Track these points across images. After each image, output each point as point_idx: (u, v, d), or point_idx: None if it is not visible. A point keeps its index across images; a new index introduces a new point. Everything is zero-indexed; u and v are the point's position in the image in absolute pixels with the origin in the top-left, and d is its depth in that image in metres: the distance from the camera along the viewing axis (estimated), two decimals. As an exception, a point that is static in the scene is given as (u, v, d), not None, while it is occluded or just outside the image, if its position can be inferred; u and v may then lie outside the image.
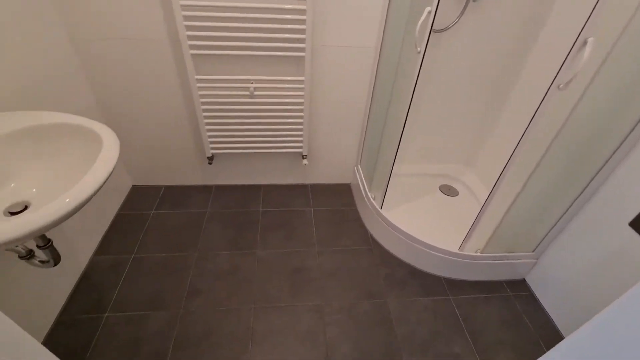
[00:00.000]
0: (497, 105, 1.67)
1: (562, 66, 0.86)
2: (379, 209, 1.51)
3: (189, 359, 1.11)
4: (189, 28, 1.25)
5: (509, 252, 1.36)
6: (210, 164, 1.68)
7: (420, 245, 1.39)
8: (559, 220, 1.25)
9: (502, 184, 1.14)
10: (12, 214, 0.81)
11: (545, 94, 0.93)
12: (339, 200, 1.82)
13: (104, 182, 0.78)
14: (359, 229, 1.65)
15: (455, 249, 1.36)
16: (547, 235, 1.31)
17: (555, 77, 0.89)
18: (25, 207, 0.83)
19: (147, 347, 1.13)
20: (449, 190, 1.81)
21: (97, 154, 0.82)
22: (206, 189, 1.81)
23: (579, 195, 1.16)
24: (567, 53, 0.85)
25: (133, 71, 1.38)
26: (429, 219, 1.62)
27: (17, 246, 0.90)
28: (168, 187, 1.80)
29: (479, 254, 1.35)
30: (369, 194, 1.59)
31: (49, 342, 1.12)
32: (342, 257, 1.50)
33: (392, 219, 1.45)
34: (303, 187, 1.89)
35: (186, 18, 1.22)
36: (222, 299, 1.30)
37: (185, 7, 1.20)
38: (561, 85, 0.90)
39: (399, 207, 1.64)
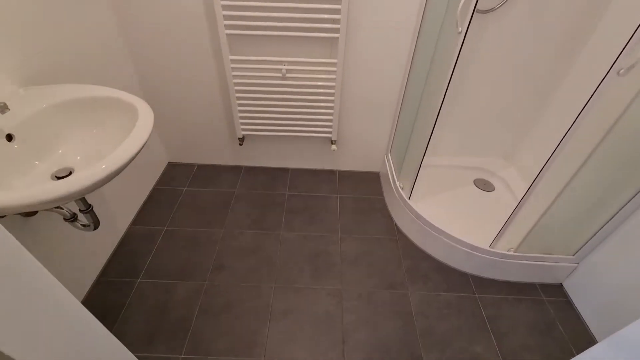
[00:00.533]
0: (545, 95, 1.53)
1: (624, 48, 0.76)
2: (407, 199, 1.46)
3: (211, 327, 1.17)
4: (225, 8, 1.26)
5: (545, 254, 1.27)
6: (240, 145, 1.71)
7: (448, 239, 1.34)
8: (605, 224, 1.13)
9: (544, 179, 1.06)
10: (59, 178, 0.88)
11: (602, 80, 0.83)
12: (366, 188, 1.79)
13: (137, 153, 0.82)
14: (384, 219, 1.62)
15: (486, 246, 1.29)
16: (590, 239, 1.20)
17: (615, 60, 0.79)
18: (70, 173, 0.90)
19: (174, 313, 1.20)
20: (484, 185, 1.71)
21: (134, 125, 0.86)
22: (235, 169, 1.86)
23: (632, 198, 1.04)
24: (633, 32, 0.75)
25: (171, 52, 1.43)
26: (460, 213, 1.55)
27: (62, 208, 0.98)
28: (200, 166, 1.87)
29: (511, 252, 1.27)
30: (397, 183, 1.55)
31: (88, 300, 1.23)
32: (365, 245, 1.48)
33: (420, 210, 1.40)
34: (331, 172, 1.88)
35: (223, -3, 1.23)
36: (245, 276, 1.34)
37: (222, -14, 1.21)
38: (622, 71, 0.80)
39: (428, 198, 1.58)
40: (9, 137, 0.82)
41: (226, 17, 1.28)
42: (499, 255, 1.28)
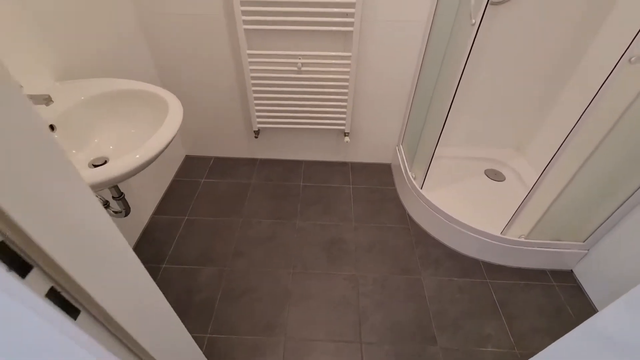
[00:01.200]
0: (556, 86, 1.55)
1: (636, 36, 0.79)
2: (419, 189, 1.50)
3: (234, 309, 1.23)
4: (243, 4, 1.31)
5: (556, 240, 1.30)
6: (256, 137, 1.77)
7: (459, 226, 1.38)
8: (615, 211, 1.16)
9: (554, 167, 1.09)
10: (95, 166, 0.95)
11: (613, 68, 0.86)
12: (378, 179, 1.83)
13: (168, 144, 0.87)
14: (397, 208, 1.66)
15: (497, 233, 1.32)
16: (600, 226, 1.22)
17: (627, 48, 0.82)
18: (105, 162, 0.96)
19: (198, 296, 1.27)
20: (495, 175, 1.74)
21: (164, 118, 0.91)
22: (251, 161, 1.92)
23: (643, 184, 1.07)
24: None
25: (190, 45, 1.48)
26: (471, 201, 1.58)
27: (97, 195, 1.04)
28: (217, 158, 1.93)
29: (522, 239, 1.30)
30: (409, 174, 1.59)
31: (118, 283, 1.30)
32: (379, 233, 1.53)
33: (432, 199, 1.44)
34: (343, 164, 1.92)
35: (241, -7, 1.28)
36: (263, 262, 1.40)
37: (241, -17, 1.25)
38: (633, 59, 0.83)
39: (440, 188, 1.62)
40: (52, 128, 0.88)
41: (244, 13, 1.33)
42: (510, 242, 1.32)
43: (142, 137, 0.91)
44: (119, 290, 0.44)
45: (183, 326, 0.73)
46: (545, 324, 1.22)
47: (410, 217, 1.61)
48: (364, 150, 1.89)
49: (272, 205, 1.66)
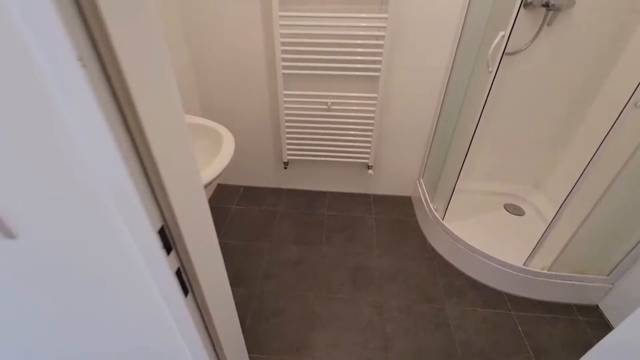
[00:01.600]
0: (570, 127, 1.65)
1: None
2: (441, 219, 1.57)
3: (263, 329, 1.28)
4: (284, 51, 1.50)
5: (579, 273, 1.33)
6: (285, 168, 1.90)
7: (482, 256, 1.42)
8: (638, 243, 1.20)
9: (572, 201, 1.15)
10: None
11: (621, 113, 0.96)
12: (399, 210, 1.91)
13: (222, 171, 1.00)
14: (418, 238, 1.72)
15: (520, 264, 1.36)
16: (624, 259, 1.25)
17: (632, 94, 0.92)
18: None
19: (230, 315, 1.33)
20: (514, 209, 1.80)
21: (219, 148, 1.05)
22: (279, 191, 2.04)
23: (662, 218, 1.12)
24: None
25: (232, 84, 1.67)
26: (492, 233, 1.63)
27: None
28: (247, 187, 2.06)
29: (545, 271, 1.33)
30: (430, 205, 1.67)
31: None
32: (401, 262, 1.58)
33: (454, 229, 1.51)
34: (365, 196, 2.02)
35: (283, 43, 1.47)
36: (291, 285, 1.46)
37: (283, 35, 1.45)
38: (639, 103, 0.93)
39: (460, 220, 1.68)
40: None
41: (284, 60, 1.52)
42: (532, 274, 1.35)
43: (201, 164, 1.04)
44: (214, 281, 0.53)
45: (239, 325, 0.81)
46: (575, 358, 1.22)
47: (432, 247, 1.66)
48: (385, 183, 1.99)
49: (298, 232, 1.74)
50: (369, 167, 1.85)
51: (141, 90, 0.31)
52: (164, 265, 0.40)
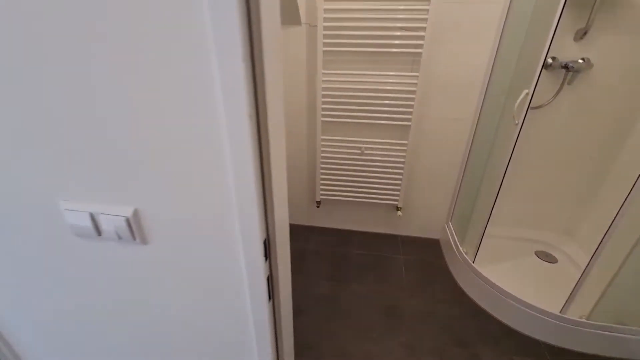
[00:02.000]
0: (598, 177, 1.69)
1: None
2: (471, 262, 1.59)
3: (298, 363, 1.30)
4: (324, 103, 1.70)
5: (619, 324, 1.29)
6: (317, 207, 2.02)
7: (516, 302, 1.42)
8: (680, 295, 1.18)
9: (605, 250, 1.18)
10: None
11: (645, 163, 1.03)
12: (428, 252, 1.94)
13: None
14: (448, 281, 1.73)
15: (556, 311, 1.34)
16: (667, 312, 1.23)
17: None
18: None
19: (265, 346, 1.37)
20: (546, 257, 1.79)
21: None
22: (310, 228, 2.13)
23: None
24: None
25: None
26: (525, 280, 1.62)
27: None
28: (280, 224, 2.17)
29: (583, 319, 1.31)
30: (460, 248, 1.70)
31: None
32: (432, 303, 1.59)
33: (485, 273, 1.52)
34: (394, 237, 2.07)
35: (324, 95, 1.67)
36: (322, 321, 1.49)
37: (324, 88, 1.65)
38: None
39: (491, 265, 1.69)
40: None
41: (324, 109, 1.71)
42: (570, 322, 1.32)
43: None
44: (287, 291, 0.62)
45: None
46: (622, 418, 1.15)
47: (462, 290, 1.66)
48: (414, 225, 2.05)
49: (329, 269, 1.80)
50: (398, 209, 1.94)
51: (273, 139, 0.44)
52: (261, 271, 0.51)
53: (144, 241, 0.54)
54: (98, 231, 0.53)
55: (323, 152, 1.83)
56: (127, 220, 0.51)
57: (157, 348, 0.69)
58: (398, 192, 1.88)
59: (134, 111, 0.42)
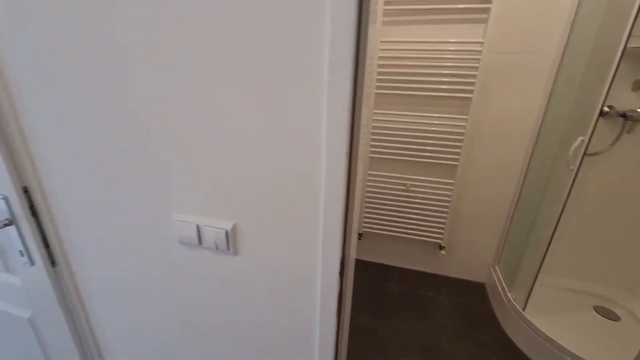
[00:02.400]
0: (665, 230, 1.58)
1: None
2: (521, 310, 1.52)
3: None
4: (373, 140, 1.79)
5: (700, 399, 1.15)
6: (359, 239, 2.05)
7: (573, 359, 1.32)
8: None
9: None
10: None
11: None
12: (472, 296, 1.87)
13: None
14: (494, 328, 1.65)
15: (620, 375, 1.23)
16: None
17: None
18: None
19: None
20: (606, 313, 1.65)
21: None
22: (350, 260, 2.16)
23: None
24: None
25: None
26: (583, 336, 1.50)
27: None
28: (320, 253, 2.22)
29: (653, 388, 1.18)
30: (509, 294, 1.63)
31: None
32: (476, 349, 1.52)
33: (538, 324, 1.44)
34: (435, 276, 2.03)
35: (374, 133, 1.77)
36: (357, 353, 1.48)
37: (375, 127, 1.76)
38: None
39: (543, 316, 1.59)
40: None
41: (372, 146, 1.80)
42: (638, 389, 1.20)
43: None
44: (348, 309, 0.68)
45: None
46: None
47: (510, 340, 1.57)
48: (457, 266, 2.00)
49: (369, 303, 1.80)
50: (441, 247, 1.92)
51: (359, 174, 0.53)
52: (335, 286, 0.57)
53: (236, 252, 0.63)
54: (200, 240, 0.64)
55: (368, 186, 1.90)
56: (226, 233, 0.61)
57: (222, 355, 0.76)
58: (442, 231, 1.87)
59: (249, 146, 0.53)
